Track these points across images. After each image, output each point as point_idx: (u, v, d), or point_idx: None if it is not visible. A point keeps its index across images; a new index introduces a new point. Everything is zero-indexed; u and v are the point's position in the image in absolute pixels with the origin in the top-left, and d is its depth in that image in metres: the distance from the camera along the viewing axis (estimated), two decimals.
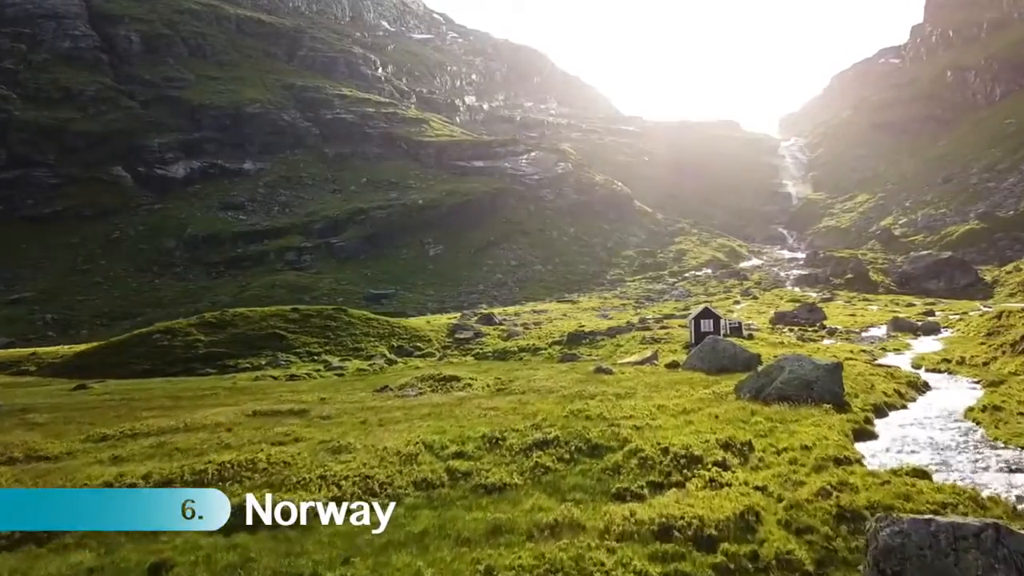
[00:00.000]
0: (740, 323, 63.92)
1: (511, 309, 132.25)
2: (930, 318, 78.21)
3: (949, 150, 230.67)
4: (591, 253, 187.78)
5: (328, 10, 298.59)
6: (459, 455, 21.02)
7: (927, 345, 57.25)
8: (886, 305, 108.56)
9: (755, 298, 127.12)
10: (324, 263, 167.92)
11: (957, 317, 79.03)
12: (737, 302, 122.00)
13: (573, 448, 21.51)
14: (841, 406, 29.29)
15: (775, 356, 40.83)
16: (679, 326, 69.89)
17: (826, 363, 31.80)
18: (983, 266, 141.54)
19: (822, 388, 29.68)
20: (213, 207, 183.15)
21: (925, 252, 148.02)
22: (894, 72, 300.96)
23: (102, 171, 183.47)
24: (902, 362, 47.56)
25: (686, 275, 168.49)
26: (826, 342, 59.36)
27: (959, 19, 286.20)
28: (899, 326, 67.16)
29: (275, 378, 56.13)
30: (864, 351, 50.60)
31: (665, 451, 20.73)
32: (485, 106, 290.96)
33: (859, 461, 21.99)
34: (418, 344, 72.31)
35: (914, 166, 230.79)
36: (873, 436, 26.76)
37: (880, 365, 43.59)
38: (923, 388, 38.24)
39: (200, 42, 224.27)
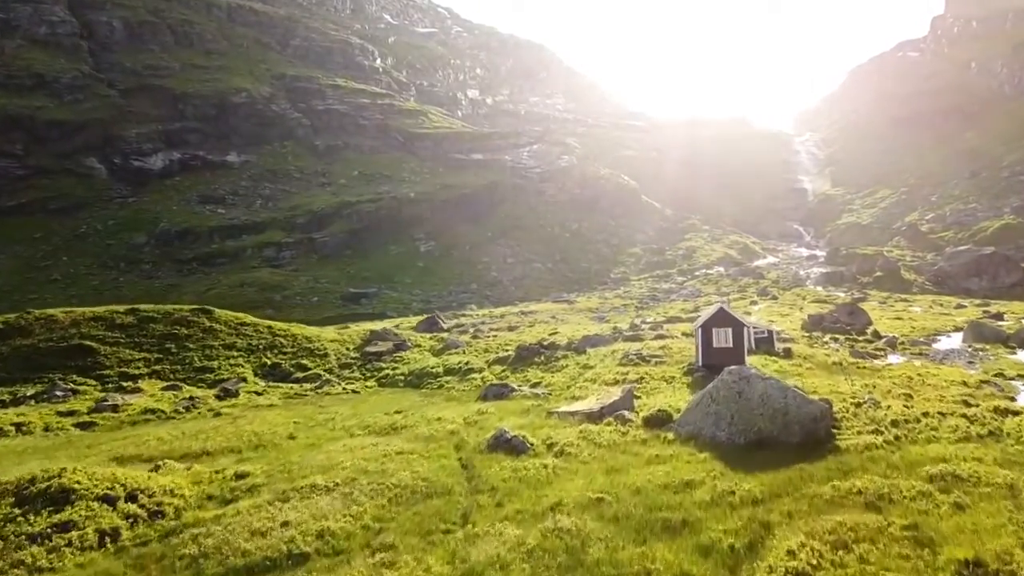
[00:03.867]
0: (772, 332, 43.42)
1: (499, 310, 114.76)
2: (1000, 323, 59.80)
3: (976, 143, 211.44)
4: (594, 250, 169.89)
5: (328, 1, 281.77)
6: None
7: None
8: (930, 306, 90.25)
9: (774, 298, 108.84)
10: (304, 260, 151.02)
11: None
12: (754, 303, 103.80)
13: None
14: None
15: (845, 400, 23.54)
16: (682, 334, 51.89)
17: None
18: None
19: None
20: (191, 201, 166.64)
21: (963, 248, 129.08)
22: (914, 65, 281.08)
23: (74, 162, 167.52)
24: None
25: (696, 273, 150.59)
26: (893, 359, 41.64)
27: (983, 9, 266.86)
28: (981, 334, 49.03)
29: None
30: (986, 383, 31.63)
31: None
32: (489, 100, 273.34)
33: None
34: (305, 362, 54.05)
35: (938, 160, 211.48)
36: None
37: None
38: None
39: (187, 29, 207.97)
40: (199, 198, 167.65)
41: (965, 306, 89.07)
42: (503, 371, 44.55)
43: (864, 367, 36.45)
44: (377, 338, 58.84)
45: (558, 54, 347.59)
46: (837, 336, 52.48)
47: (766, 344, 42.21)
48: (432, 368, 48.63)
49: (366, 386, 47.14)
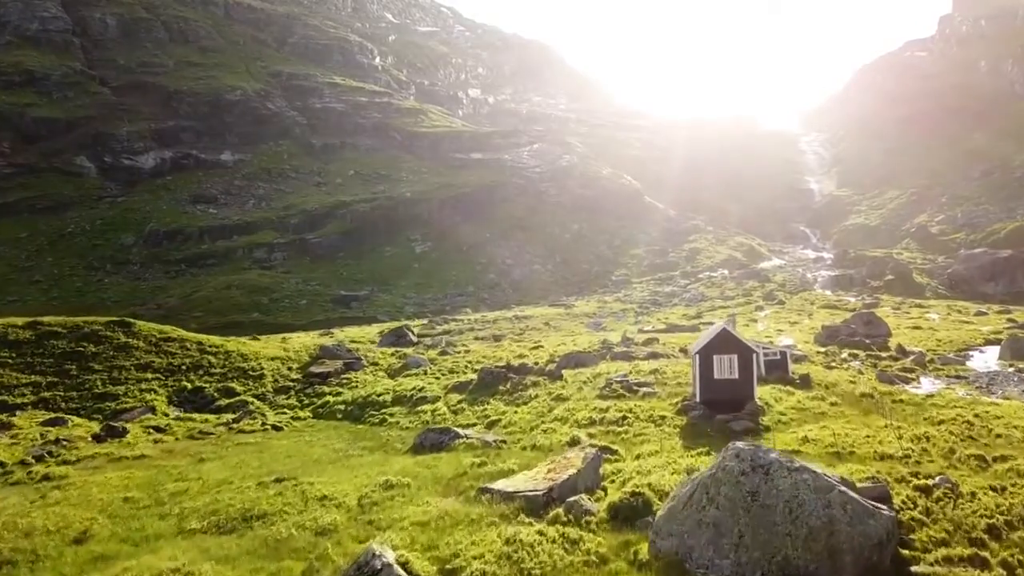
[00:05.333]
0: (785, 353, 36.60)
1: (492, 315, 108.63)
2: None
3: (986, 143, 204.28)
4: (595, 252, 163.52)
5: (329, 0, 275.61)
6: None
7: None
8: (948, 313, 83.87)
9: (781, 303, 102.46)
10: (296, 261, 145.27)
11: None
12: (760, 308, 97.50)
13: None
14: None
15: (902, 478, 17.10)
16: (680, 350, 45.50)
17: None
18: None
19: None
20: (182, 200, 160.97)
21: (978, 251, 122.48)
22: (922, 64, 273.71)
23: (63, 161, 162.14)
24: None
25: (700, 276, 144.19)
26: (926, 384, 35.48)
27: (992, 7, 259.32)
28: (1021, 350, 42.63)
29: None
30: None
31: None
32: (490, 99, 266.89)
33: None
34: (234, 385, 46.81)
35: (947, 160, 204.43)
36: None
37: None
38: None
39: (182, 26, 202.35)
40: (190, 198, 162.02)
41: (986, 313, 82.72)
42: (460, 401, 37.86)
43: (901, 399, 30.21)
44: (327, 355, 52.42)
45: (561, 53, 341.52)
46: (856, 352, 46.20)
47: (778, 368, 35.59)
48: (380, 395, 41.93)
49: (295, 418, 40.62)
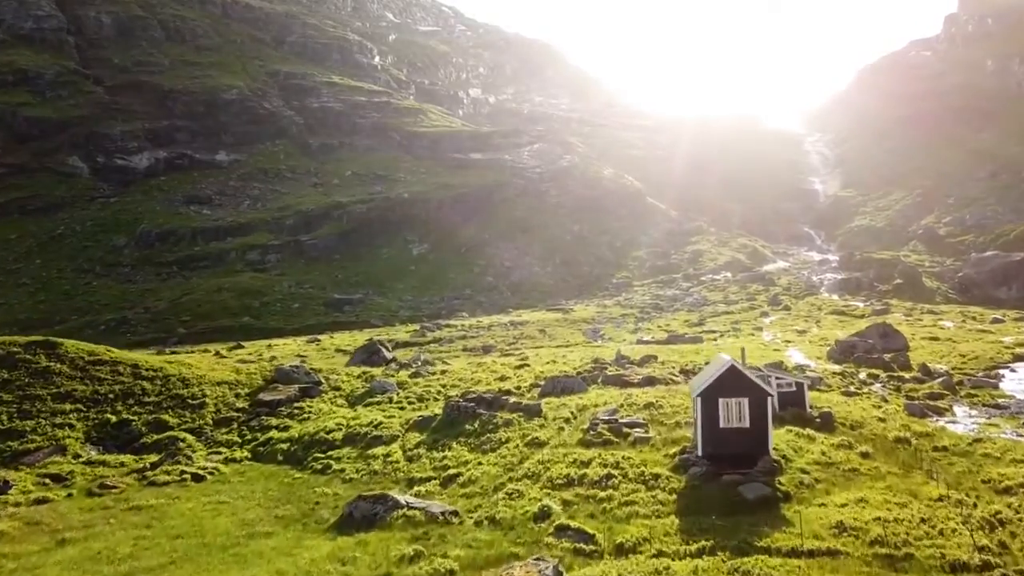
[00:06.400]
0: (803, 385, 30.78)
1: (488, 320, 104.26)
2: None
3: (993, 144, 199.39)
4: (596, 254, 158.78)
5: None
6: None
7: None
8: (962, 321, 79.13)
9: (787, 308, 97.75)
10: (290, 263, 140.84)
11: None
12: (765, 314, 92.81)
13: None
14: None
15: None
16: (680, 371, 40.60)
17: None
18: None
19: None
20: (176, 201, 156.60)
21: (990, 254, 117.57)
22: (926, 63, 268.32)
23: (55, 161, 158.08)
24: None
25: (703, 278, 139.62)
26: (963, 416, 30.74)
27: (998, 6, 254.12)
28: None
29: None
30: None
31: None
32: (491, 99, 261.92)
33: None
34: (167, 417, 41.12)
35: (954, 161, 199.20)
36: None
37: None
38: None
39: (179, 25, 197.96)
40: (184, 198, 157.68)
41: (1002, 320, 77.97)
42: (419, 444, 32.98)
43: (944, 445, 25.45)
44: (282, 378, 47.39)
45: (564, 52, 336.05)
46: (875, 372, 41.53)
47: (795, 402, 30.33)
48: (331, 432, 36.84)
49: (229, 459, 35.44)
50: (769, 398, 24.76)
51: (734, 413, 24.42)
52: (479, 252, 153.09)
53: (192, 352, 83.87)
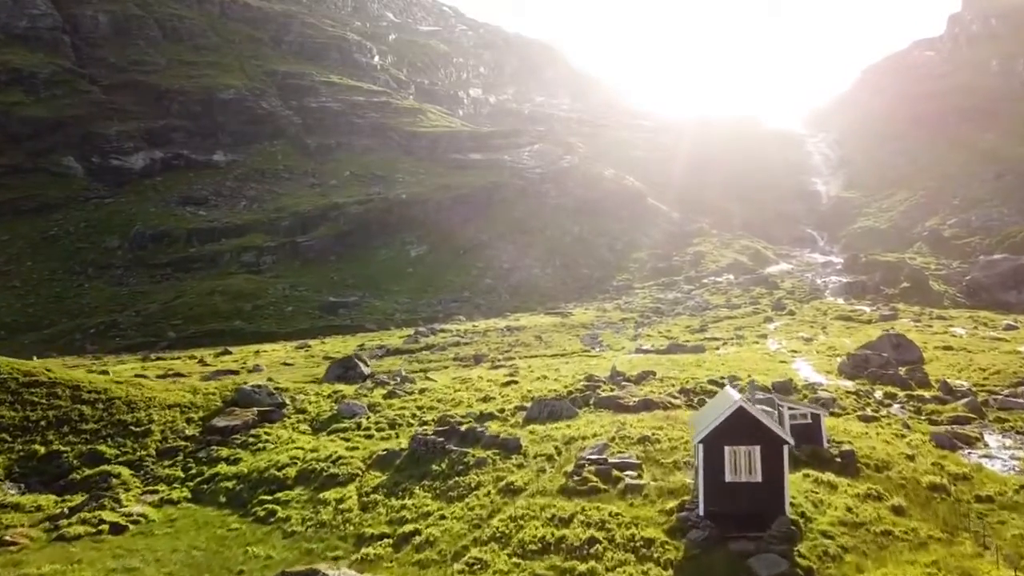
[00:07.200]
0: (819, 417, 26.42)
1: (484, 324, 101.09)
2: None
3: (998, 144, 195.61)
4: (597, 255, 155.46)
5: None
6: None
7: None
8: (974, 327, 75.82)
9: (791, 313, 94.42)
10: (286, 265, 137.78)
11: None
12: (769, 319, 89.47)
13: None
14: None
15: None
16: (680, 391, 37.00)
17: None
18: None
19: None
20: (171, 202, 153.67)
21: (999, 257, 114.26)
22: (930, 64, 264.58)
23: (49, 161, 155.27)
24: None
25: (704, 281, 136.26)
26: (996, 448, 27.42)
27: (1002, 6, 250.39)
28: None
29: None
30: None
31: None
32: (492, 99, 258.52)
33: None
34: (103, 448, 36.60)
35: (958, 162, 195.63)
36: None
37: None
38: None
39: (176, 24, 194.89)
40: (179, 199, 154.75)
41: (1016, 327, 74.79)
42: (378, 486, 29.18)
43: (988, 494, 22.04)
44: (243, 400, 42.75)
45: (565, 53, 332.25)
46: (892, 390, 38.22)
47: (810, 437, 26.06)
48: (283, 468, 32.75)
49: (165, 500, 31.39)
50: (785, 446, 20.43)
51: (743, 464, 20.33)
52: (478, 254, 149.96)
53: (178, 358, 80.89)
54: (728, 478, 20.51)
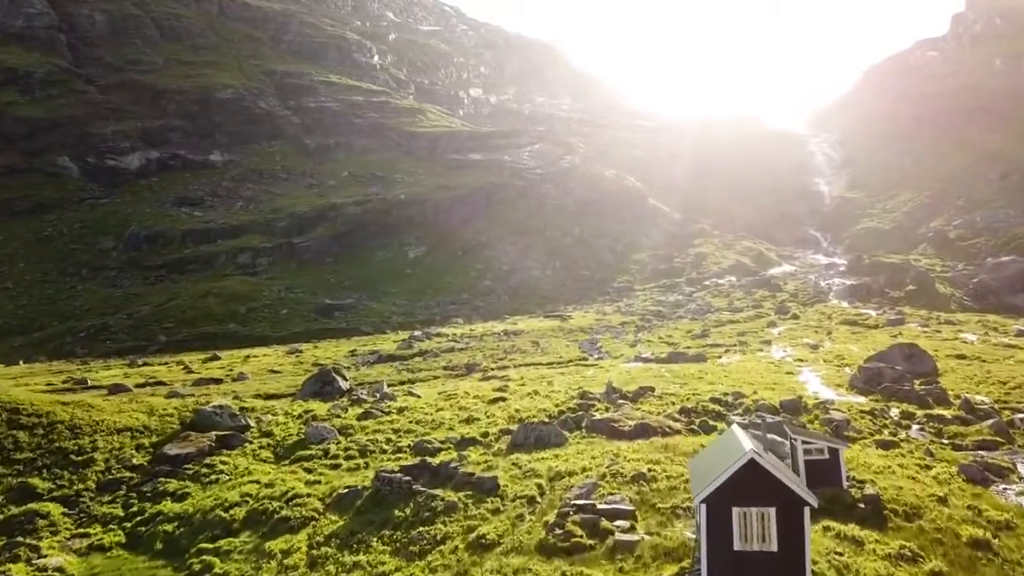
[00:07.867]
0: (838, 452, 22.52)
1: (481, 328, 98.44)
2: None
3: (1003, 144, 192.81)
4: (597, 257, 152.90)
5: None
6: None
7: None
8: (985, 333, 73.16)
9: (795, 317, 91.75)
10: (282, 267, 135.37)
11: None
12: (773, 324, 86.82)
13: None
14: None
15: None
16: (681, 411, 34.16)
17: None
18: None
19: None
20: (166, 202, 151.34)
21: (1008, 259, 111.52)
22: (933, 64, 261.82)
23: (44, 161, 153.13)
24: None
25: (706, 283, 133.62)
26: None
27: (1006, 5, 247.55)
28: None
29: None
30: None
31: None
32: (492, 99, 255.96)
33: None
34: (35, 481, 32.92)
35: (963, 162, 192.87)
36: None
37: None
38: None
39: (174, 23, 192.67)
40: (175, 199, 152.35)
41: None
42: (333, 534, 25.97)
43: None
44: (200, 423, 38.97)
45: (566, 53, 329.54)
46: (910, 409, 35.56)
47: (828, 476, 22.34)
48: (231, 508, 29.45)
49: (95, 546, 27.90)
50: (807, 507, 16.52)
51: (755, 529, 16.59)
52: (477, 255, 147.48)
53: (165, 363, 78.39)
54: (737, 546, 16.80)
